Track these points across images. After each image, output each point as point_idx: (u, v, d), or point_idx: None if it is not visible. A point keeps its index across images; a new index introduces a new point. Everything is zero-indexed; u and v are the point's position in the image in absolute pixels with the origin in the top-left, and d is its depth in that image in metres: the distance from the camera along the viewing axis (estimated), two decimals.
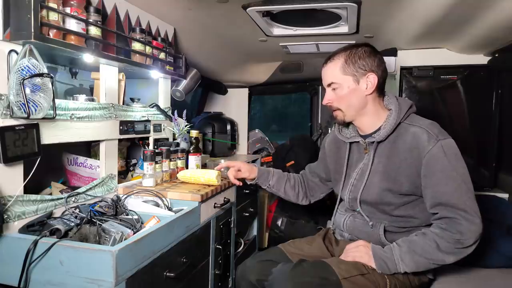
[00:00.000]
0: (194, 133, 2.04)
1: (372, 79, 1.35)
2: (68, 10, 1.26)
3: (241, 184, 1.78)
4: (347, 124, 1.51)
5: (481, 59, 2.27)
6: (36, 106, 1.13)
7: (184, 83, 2.28)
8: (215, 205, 1.75)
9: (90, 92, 1.82)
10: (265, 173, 1.73)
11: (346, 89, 1.37)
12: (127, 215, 1.39)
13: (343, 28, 1.97)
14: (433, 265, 1.28)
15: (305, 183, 1.78)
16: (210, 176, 1.76)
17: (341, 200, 1.60)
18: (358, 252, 1.34)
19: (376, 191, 1.39)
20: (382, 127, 1.38)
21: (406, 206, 1.38)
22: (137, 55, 1.65)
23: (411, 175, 1.32)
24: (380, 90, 1.40)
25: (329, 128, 3.38)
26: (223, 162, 1.81)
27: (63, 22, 1.25)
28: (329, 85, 1.42)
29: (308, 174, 1.78)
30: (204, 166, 2.17)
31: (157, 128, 1.97)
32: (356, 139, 1.48)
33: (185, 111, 2.15)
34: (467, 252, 1.26)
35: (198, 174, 1.79)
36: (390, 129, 1.36)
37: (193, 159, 2.00)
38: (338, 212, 1.59)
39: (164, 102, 2.06)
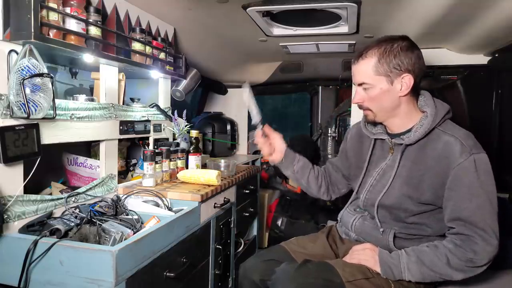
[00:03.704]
0: (194, 133, 2.04)
1: (407, 80, 1.25)
2: (68, 10, 1.26)
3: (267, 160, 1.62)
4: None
5: (481, 59, 2.27)
6: (36, 106, 1.13)
7: (184, 83, 2.28)
8: (215, 205, 1.75)
9: (90, 92, 1.82)
10: (291, 156, 1.58)
11: (378, 90, 1.27)
12: (127, 215, 1.39)
13: (343, 28, 1.97)
14: (439, 279, 1.25)
15: (328, 177, 1.67)
16: (210, 176, 1.76)
17: (354, 198, 1.54)
18: (364, 255, 1.31)
19: (395, 196, 1.33)
20: (414, 130, 1.30)
21: (422, 215, 1.32)
22: (137, 55, 1.65)
23: (435, 185, 1.26)
24: (415, 90, 1.31)
25: (329, 128, 3.37)
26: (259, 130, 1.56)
27: (63, 22, 1.25)
28: (360, 84, 1.32)
29: (331, 169, 1.67)
30: (204, 166, 2.17)
31: (157, 128, 1.97)
32: (383, 136, 1.39)
33: (185, 111, 2.15)
34: (478, 271, 1.22)
35: (198, 174, 1.79)
36: (422, 134, 1.27)
37: (193, 159, 2.00)
38: (347, 211, 1.54)
39: (164, 102, 2.06)
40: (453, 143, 1.24)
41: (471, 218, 1.21)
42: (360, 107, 1.37)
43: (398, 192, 1.32)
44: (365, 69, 1.28)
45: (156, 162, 1.74)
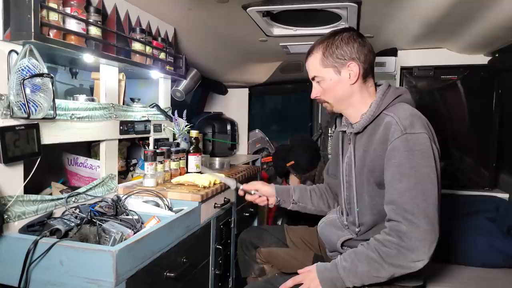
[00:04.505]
0: (194, 133, 2.03)
1: (353, 68, 1.26)
2: (68, 10, 1.26)
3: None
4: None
5: (481, 59, 2.27)
6: (36, 106, 1.13)
7: (184, 83, 2.28)
8: (215, 205, 1.75)
9: (90, 92, 1.82)
10: (285, 191, 1.62)
11: (329, 81, 1.30)
12: (127, 215, 1.39)
13: None
14: (378, 279, 1.15)
15: (330, 189, 1.63)
16: (204, 183, 1.72)
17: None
18: (305, 282, 1.22)
19: (360, 188, 1.29)
20: (361, 117, 1.30)
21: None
22: (137, 55, 1.65)
23: (383, 170, 1.21)
24: (366, 77, 1.30)
25: (329, 128, 3.37)
26: (242, 187, 1.64)
27: (63, 22, 1.25)
28: (313, 78, 1.36)
29: (329, 179, 1.60)
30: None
31: (157, 128, 1.97)
32: (344, 128, 1.39)
33: (185, 111, 2.15)
34: (413, 264, 1.10)
35: (190, 181, 1.75)
36: (366, 120, 1.26)
37: (193, 159, 2.00)
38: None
39: (164, 102, 2.06)
40: (390, 122, 1.20)
41: (400, 199, 1.13)
42: (319, 101, 1.40)
43: (359, 184, 1.30)
44: (313, 64, 1.33)
45: (157, 162, 1.73)
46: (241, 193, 1.65)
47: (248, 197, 1.64)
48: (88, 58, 1.40)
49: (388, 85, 1.32)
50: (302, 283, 1.23)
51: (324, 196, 1.63)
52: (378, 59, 2.43)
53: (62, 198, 1.34)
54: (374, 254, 1.14)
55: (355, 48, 1.27)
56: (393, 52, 2.42)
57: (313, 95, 1.38)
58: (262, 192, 1.61)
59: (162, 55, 1.83)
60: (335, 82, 1.30)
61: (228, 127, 3.07)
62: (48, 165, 1.49)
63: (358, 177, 1.30)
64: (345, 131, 1.39)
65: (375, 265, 1.14)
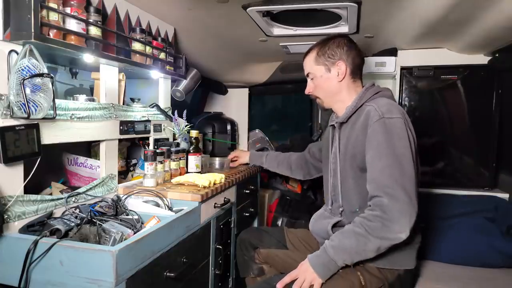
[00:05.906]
0: (194, 133, 2.03)
1: (341, 66, 1.46)
2: (68, 10, 1.26)
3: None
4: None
5: (481, 59, 2.27)
6: (36, 106, 1.13)
7: (184, 83, 2.28)
8: (215, 205, 1.75)
9: (90, 92, 1.82)
10: (258, 156, 2.23)
11: (319, 78, 1.50)
12: (127, 215, 1.39)
13: (343, 28, 1.97)
14: (366, 254, 1.23)
15: (306, 162, 2.00)
16: (204, 183, 1.73)
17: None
18: (301, 275, 1.27)
19: (345, 175, 1.41)
20: (346, 109, 1.46)
21: None
22: (137, 55, 1.64)
23: (363, 155, 1.33)
24: (353, 76, 1.48)
25: None
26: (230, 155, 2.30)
27: (63, 22, 1.25)
28: (307, 75, 1.55)
29: (307, 154, 2.01)
30: None
31: (157, 128, 1.97)
32: (332, 122, 1.55)
33: (185, 111, 2.15)
34: (396, 236, 1.18)
35: (190, 181, 1.76)
36: (350, 110, 1.42)
37: (193, 159, 2.00)
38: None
39: (164, 102, 2.06)
40: (370, 110, 1.34)
41: (380, 177, 1.24)
42: (312, 96, 1.58)
43: (343, 169, 1.43)
44: (308, 61, 1.54)
45: (157, 162, 1.73)
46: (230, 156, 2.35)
47: (229, 156, 2.34)
48: (88, 58, 1.40)
49: (373, 84, 1.49)
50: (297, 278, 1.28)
51: (293, 165, 2.05)
52: (378, 59, 2.43)
53: (62, 198, 1.34)
54: (360, 230, 1.22)
55: (344, 50, 1.48)
56: (393, 52, 2.42)
57: (306, 91, 1.57)
58: (240, 160, 2.33)
59: (162, 55, 1.83)
60: (325, 79, 1.49)
61: (228, 127, 3.07)
62: (48, 165, 1.49)
63: (342, 162, 1.43)
64: (333, 126, 1.53)
65: (362, 240, 1.21)
